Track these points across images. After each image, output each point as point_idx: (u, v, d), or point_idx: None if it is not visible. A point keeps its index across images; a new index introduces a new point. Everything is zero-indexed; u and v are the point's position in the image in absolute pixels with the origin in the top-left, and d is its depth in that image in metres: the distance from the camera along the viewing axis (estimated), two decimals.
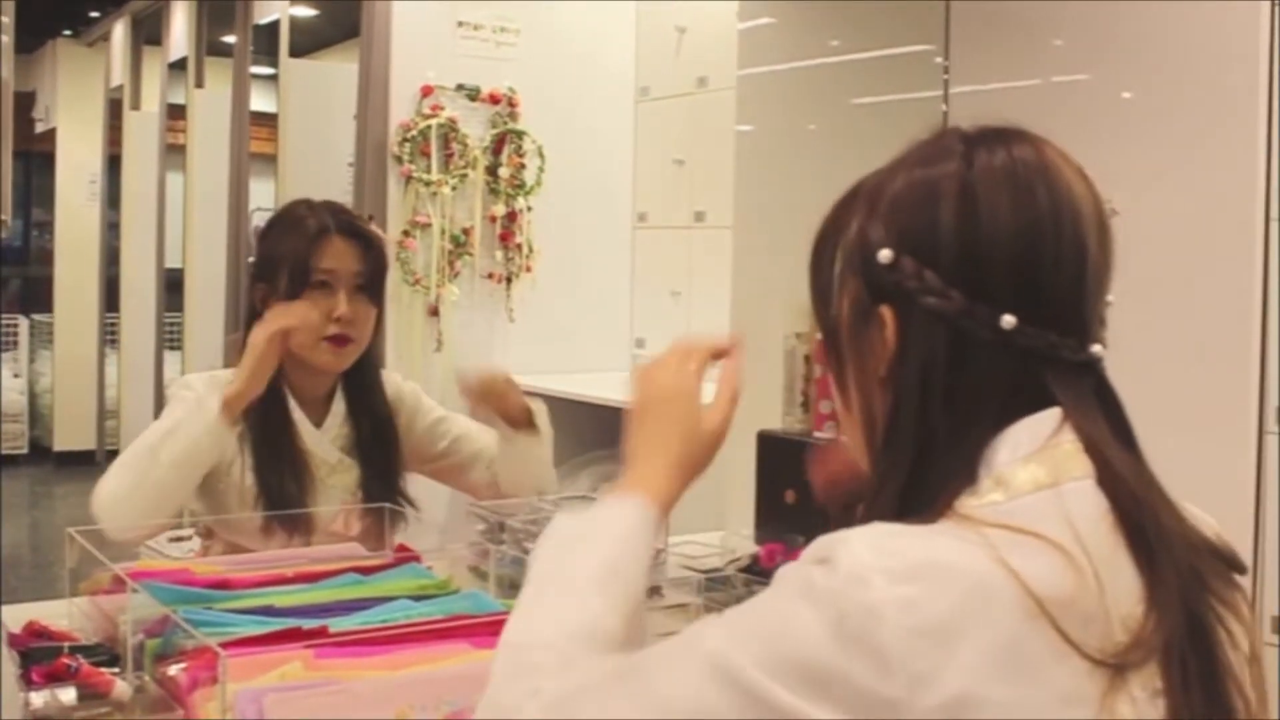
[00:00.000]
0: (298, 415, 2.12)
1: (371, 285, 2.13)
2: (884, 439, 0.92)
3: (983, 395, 0.88)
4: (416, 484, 2.27)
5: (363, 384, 2.18)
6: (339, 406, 2.17)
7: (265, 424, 2.08)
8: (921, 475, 0.89)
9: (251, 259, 2.21)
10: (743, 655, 0.80)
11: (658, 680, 0.83)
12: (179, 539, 2.92)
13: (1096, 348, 0.91)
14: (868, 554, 0.80)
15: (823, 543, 0.83)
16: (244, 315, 2.17)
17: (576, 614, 0.94)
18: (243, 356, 2.03)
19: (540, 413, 2.22)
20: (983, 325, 0.88)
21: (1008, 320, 0.88)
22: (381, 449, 2.18)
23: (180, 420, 1.98)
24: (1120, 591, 0.82)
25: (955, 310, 0.88)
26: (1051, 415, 0.88)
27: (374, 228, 2.26)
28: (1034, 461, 0.86)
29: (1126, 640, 0.81)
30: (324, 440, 2.14)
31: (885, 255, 0.91)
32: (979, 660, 0.77)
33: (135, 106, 7.51)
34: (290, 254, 2.09)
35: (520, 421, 2.19)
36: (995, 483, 0.86)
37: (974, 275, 0.88)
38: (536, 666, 0.90)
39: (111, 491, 1.95)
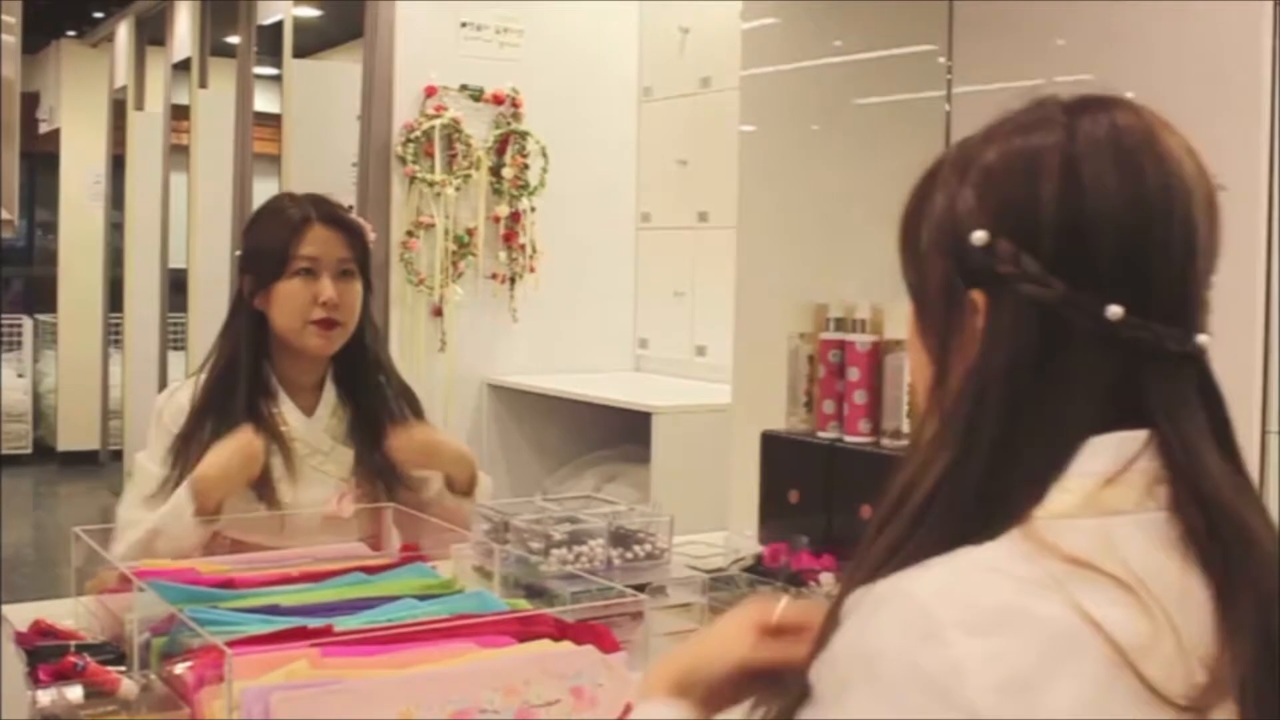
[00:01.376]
0: (287, 404, 2.14)
1: (356, 270, 2.14)
2: (961, 434, 0.84)
3: (1077, 393, 0.82)
4: None
5: (353, 369, 2.19)
6: (330, 394, 2.18)
7: (253, 414, 2.08)
8: (996, 480, 0.82)
9: (239, 253, 2.23)
10: None
11: None
12: None
13: (1203, 337, 0.84)
14: (937, 607, 0.76)
15: (885, 599, 0.78)
16: (231, 306, 2.18)
17: None
18: (224, 443, 2.01)
19: (483, 484, 2.22)
20: (1086, 315, 0.81)
21: (1114, 310, 0.81)
22: (374, 433, 2.18)
23: (164, 524, 1.95)
24: (1194, 631, 0.78)
25: (1056, 299, 0.81)
26: (1137, 438, 0.83)
27: (355, 217, 2.28)
28: (1110, 485, 0.81)
29: (1206, 682, 0.77)
30: (315, 428, 2.15)
31: (980, 237, 0.84)
32: (1067, 712, 0.74)
33: (139, 107, 7.51)
34: (272, 243, 2.12)
35: (460, 486, 2.20)
36: (1063, 491, 0.81)
37: (1077, 260, 0.82)
38: None
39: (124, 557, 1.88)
